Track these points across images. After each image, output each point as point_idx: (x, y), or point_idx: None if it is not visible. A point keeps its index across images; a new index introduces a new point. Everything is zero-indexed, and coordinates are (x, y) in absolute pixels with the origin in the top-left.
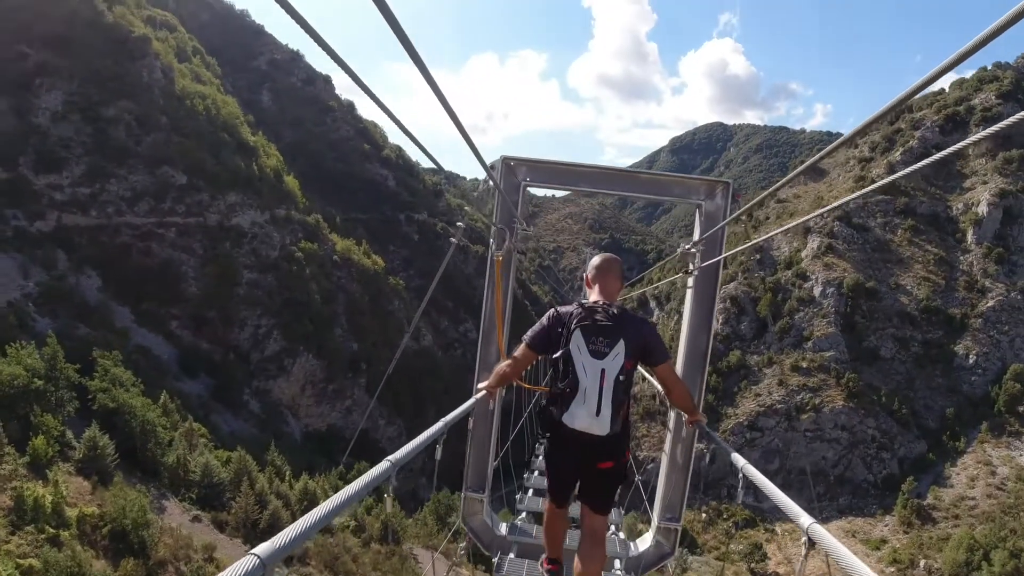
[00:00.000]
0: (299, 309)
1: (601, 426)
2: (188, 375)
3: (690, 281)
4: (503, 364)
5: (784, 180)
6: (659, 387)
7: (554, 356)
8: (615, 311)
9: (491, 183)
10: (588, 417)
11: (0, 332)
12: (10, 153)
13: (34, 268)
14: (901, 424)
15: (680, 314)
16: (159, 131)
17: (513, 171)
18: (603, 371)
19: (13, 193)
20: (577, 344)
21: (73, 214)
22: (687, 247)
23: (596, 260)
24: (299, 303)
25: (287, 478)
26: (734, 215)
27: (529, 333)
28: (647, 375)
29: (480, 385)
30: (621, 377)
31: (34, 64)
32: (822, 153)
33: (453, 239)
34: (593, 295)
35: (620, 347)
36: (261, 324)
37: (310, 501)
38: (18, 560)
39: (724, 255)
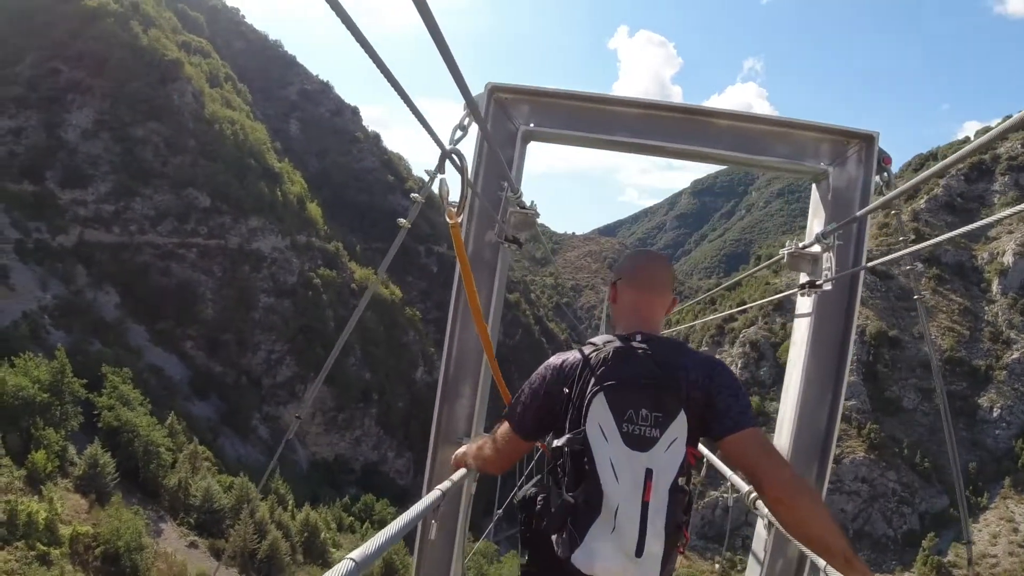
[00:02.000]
0: (313, 336)
1: (643, 574)
2: (199, 397)
3: (803, 304)
4: (480, 446)
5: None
6: (737, 484)
7: (556, 444)
8: (665, 352)
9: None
10: (621, 559)
11: (12, 343)
12: (38, 167)
13: (53, 281)
14: (923, 478)
15: (775, 359)
16: (186, 153)
17: (507, 110)
18: (649, 473)
19: (38, 206)
20: (599, 423)
21: (96, 230)
22: (800, 246)
23: (631, 260)
24: (314, 330)
25: (290, 507)
26: (896, 192)
27: (515, 407)
28: (710, 457)
29: (458, 451)
30: (681, 480)
31: (66, 81)
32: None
33: (403, 221)
34: (622, 320)
35: (679, 425)
36: (275, 349)
37: (311, 533)
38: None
39: (877, 260)
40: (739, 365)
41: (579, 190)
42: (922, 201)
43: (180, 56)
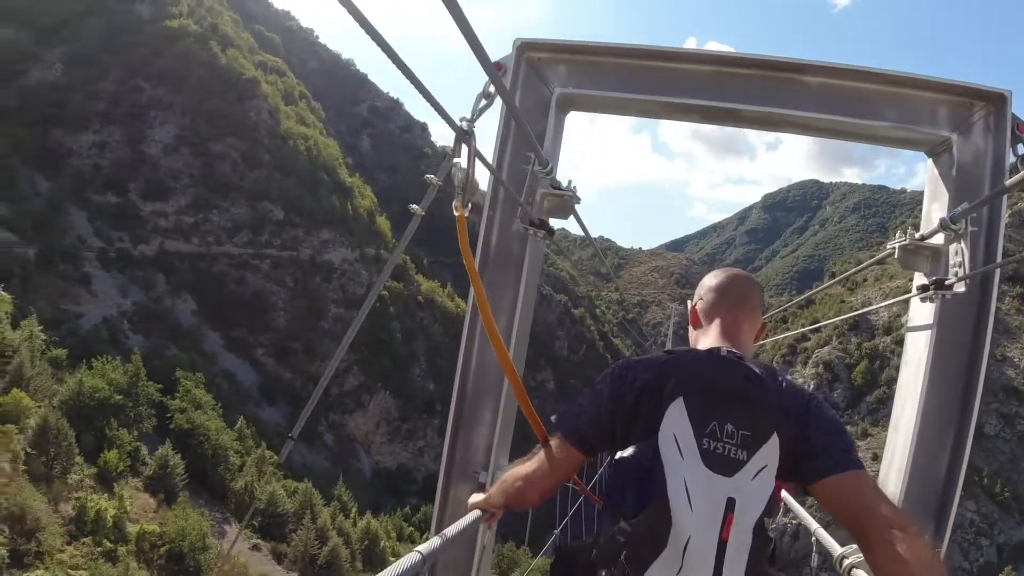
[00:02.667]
0: (380, 347)
1: None
2: (268, 402)
3: (920, 313)
4: (522, 468)
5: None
6: (826, 542)
7: (618, 456)
8: (758, 370)
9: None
10: None
11: (92, 346)
12: (121, 180)
13: (133, 288)
14: (1002, 508)
15: (849, 380)
16: (262, 168)
17: (540, 72)
18: (731, 503)
19: (121, 217)
20: (675, 434)
21: (175, 240)
22: (917, 236)
23: (716, 279)
24: (381, 341)
25: (352, 514)
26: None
27: (570, 412)
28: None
29: (474, 500)
30: (768, 519)
31: (148, 98)
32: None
33: (416, 208)
34: (706, 340)
35: (771, 450)
36: (343, 359)
37: (371, 541)
38: (69, 571)
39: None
40: (812, 386)
41: (647, 204)
42: (1007, 214)
43: (257, 75)
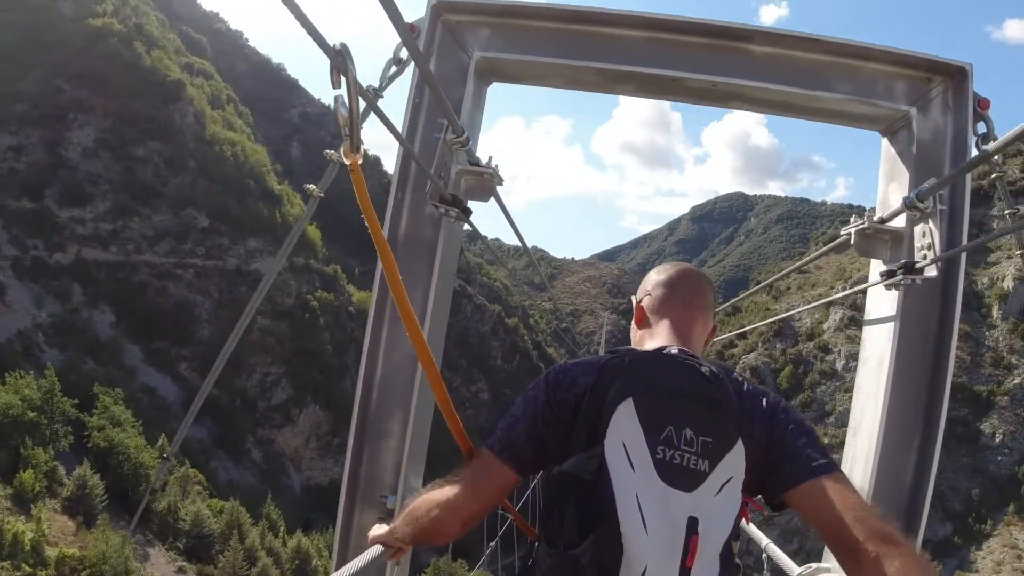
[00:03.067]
0: (310, 359)
1: None
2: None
3: (881, 303)
4: (440, 493)
5: None
6: (780, 560)
7: (557, 471)
8: (713, 370)
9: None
10: None
11: (5, 360)
12: (37, 184)
13: (48, 299)
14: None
15: (775, 386)
16: (186, 173)
17: (459, 37)
18: (693, 524)
19: (36, 224)
20: (624, 442)
21: (93, 249)
22: (878, 219)
23: (665, 273)
24: (310, 352)
25: (281, 533)
26: (1004, 142)
27: (500, 424)
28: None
29: (375, 533)
30: (735, 542)
31: (69, 99)
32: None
33: (313, 188)
34: (654, 339)
35: (736, 459)
36: (270, 372)
37: (303, 560)
38: None
39: (998, 233)
40: None
41: (579, 215)
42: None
43: (182, 77)
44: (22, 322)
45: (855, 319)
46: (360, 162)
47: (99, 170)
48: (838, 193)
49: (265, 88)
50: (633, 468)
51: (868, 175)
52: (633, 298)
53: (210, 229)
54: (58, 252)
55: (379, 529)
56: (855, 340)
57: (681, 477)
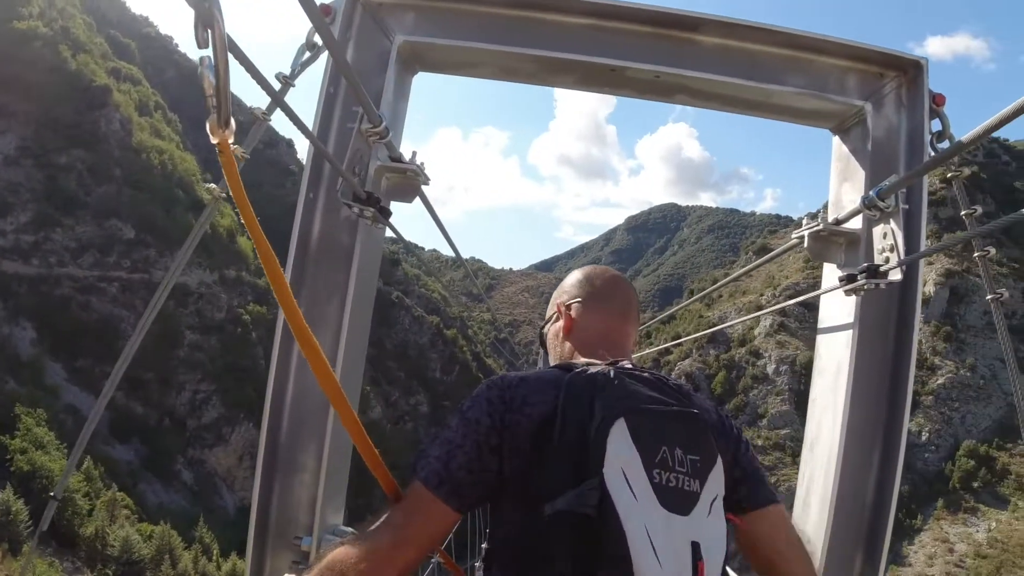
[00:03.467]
0: (242, 375)
1: None
2: (118, 439)
3: (837, 309)
4: (364, 546)
5: None
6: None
7: (552, 511)
8: (680, 383)
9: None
10: None
11: None
12: None
13: None
14: None
15: (710, 391)
16: (111, 182)
17: (382, 23)
18: (696, 549)
19: None
20: (623, 467)
21: (14, 261)
22: (834, 220)
23: (598, 279)
24: (243, 368)
25: (215, 557)
26: (967, 141)
27: (434, 454)
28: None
29: None
30: (729, 559)
31: None
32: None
33: (213, 187)
34: (584, 350)
35: (718, 477)
36: (200, 389)
37: None
38: None
39: (964, 236)
40: None
41: (517, 225)
42: None
43: (109, 83)
44: None
45: (784, 325)
46: (232, 140)
47: (20, 179)
48: (766, 204)
49: (195, 94)
50: (635, 497)
51: (793, 187)
52: (558, 303)
53: (136, 240)
54: None
55: None
56: (785, 345)
57: (677, 500)
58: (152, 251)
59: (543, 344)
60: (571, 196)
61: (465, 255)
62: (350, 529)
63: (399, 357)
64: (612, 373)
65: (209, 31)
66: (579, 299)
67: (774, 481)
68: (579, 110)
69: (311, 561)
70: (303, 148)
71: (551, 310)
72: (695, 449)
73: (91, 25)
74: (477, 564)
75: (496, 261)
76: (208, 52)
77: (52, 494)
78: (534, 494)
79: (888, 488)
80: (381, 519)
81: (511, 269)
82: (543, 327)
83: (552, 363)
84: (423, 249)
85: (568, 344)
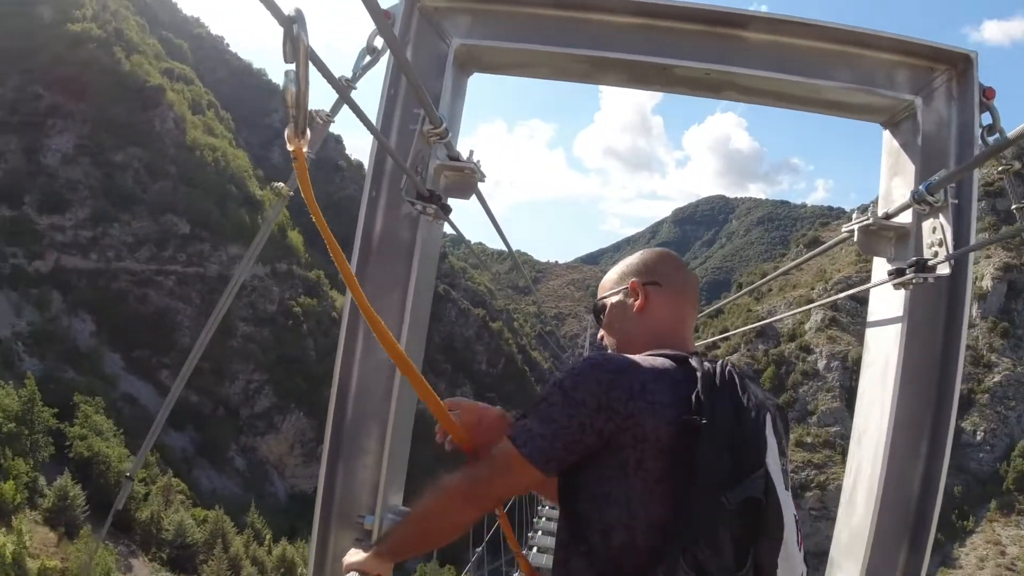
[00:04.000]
0: (293, 365)
1: None
2: (174, 427)
3: (887, 303)
4: (449, 484)
5: None
6: None
7: (739, 499)
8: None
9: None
10: None
11: None
12: (16, 192)
13: (28, 307)
14: None
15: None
16: (166, 179)
17: (437, 26)
18: (796, 521)
19: (15, 231)
20: (771, 459)
21: (73, 256)
22: (884, 214)
23: (670, 262)
24: (293, 359)
25: (266, 542)
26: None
27: (539, 431)
28: None
29: (350, 559)
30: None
31: (47, 106)
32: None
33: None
34: (655, 337)
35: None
36: (253, 379)
37: (287, 569)
38: None
39: (1014, 230)
40: None
41: (562, 219)
42: None
43: (163, 82)
44: (0, 331)
45: (836, 319)
46: (306, 150)
47: (78, 176)
48: (818, 195)
49: (246, 93)
50: (778, 482)
51: (846, 178)
52: (632, 281)
53: (191, 235)
54: (37, 260)
55: (355, 555)
56: (836, 340)
57: (786, 481)
58: (207, 245)
59: (597, 317)
60: (617, 188)
61: (511, 247)
62: (409, 510)
63: (445, 349)
64: (731, 369)
65: (295, 46)
66: (657, 283)
67: (823, 479)
68: (625, 102)
69: (375, 538)
70: (351, 145)
71: (620, 284)
72: (785, 435)
73: (143, 27)
74: (530, 535)
75: (541, 254)
76: (292, 66)
77: (128, 475)
78: (676, 479)
79: (934, 481)
80: (457, 471)
81: (556, 262)
82: (603, 298)
83: (613, 341)
84: (470, 241)
85: (639, 327)
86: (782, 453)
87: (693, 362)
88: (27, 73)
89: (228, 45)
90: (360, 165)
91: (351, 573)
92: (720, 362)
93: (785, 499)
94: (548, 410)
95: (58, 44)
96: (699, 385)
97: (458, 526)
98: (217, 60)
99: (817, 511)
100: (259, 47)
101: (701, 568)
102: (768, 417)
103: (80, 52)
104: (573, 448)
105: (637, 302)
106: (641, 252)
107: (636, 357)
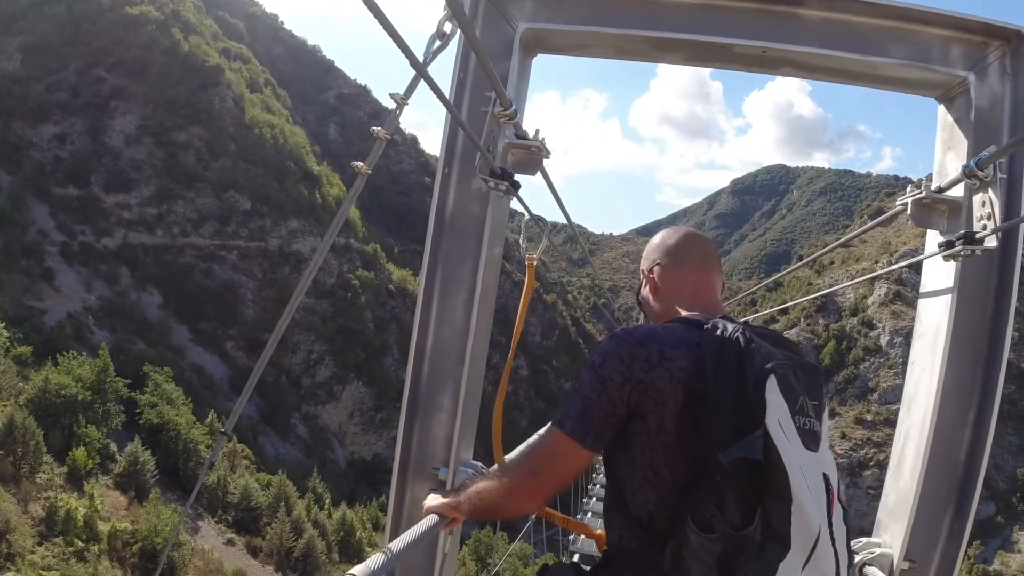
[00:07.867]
0: (352, 336)
1: None
2: (238, 395)
3: (937, 275)
4: (510, 475)
5: None
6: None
7: (732, 459)
8: (783, 337)
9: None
10: None
11: (57, 342)
12: (82, 172)
13: (97, 283)
14: None
15: (818, 362)
16: (227, 157)
17: (502, 8)
18: (827, 480)
19: (83, 210)
20: (778, 418)
21: (139, 233)
22: (936, 188)
23: (671, 239)
24: (352, 331)
25: (327, 506)
26: None
27: (576, 410)
28: None
29: (430, 503)
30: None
31: (110, 88)
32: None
33: (361, 165)
34: (687, 303)
35: (826, 418)
36: (314, 350)
37: (347, 532)
38: (40, 572)
39: None
40: None
41: (617, 190)
42: None
43: (220, 62)
44: (72, 305)
45: (900, 294)
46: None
47: (142, 156)
48: (884, 164)
49: (301, 70)
50: (789, 441)
51: (916, 146)
52: (642, 269)
53: (252, 211)
54: (105, 237)
55: (434, 499)
56: (900, 316)
57: (810, 440)
58: (268, 220)
59: (641, 307)
60: (674, 158)
61: (565, 220)
62: (479, 463)
63: (499, 321)
64: (743, 331)
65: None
66: (659, 263)
67: (883, 458)
68: (683, 67)
69: (448, 488)
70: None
71: (641, 275)
72: (815, 395)
73: (200, 8)
74: (585, 500)
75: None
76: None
77: (223, 430)
78: (690, 441)
79: (980, 449)
80: (515, 462)
81: (611, 234)
82: (638, 291)
83: (650, 320)
84: (536, 217)
85: (661, 302)
86: (801, 412)
87: (708, 326)
88: (89, 57)
89: (282, 23)
90: (415, 139)
91: (431, 515)
92: (734, 324)
93: (801, 458)
94: (581, 389)
95: (118, 27)
96: (707, 351)
97: (526, 512)
98: (272, 38)
99: (875, 490)
100: (313, 24)
101: (709, 526)
102: (774, 378)
103: (139, 35)
104: (608, 420)
105: (649, 288)
106: (650, 240)
107: (656, 327)
